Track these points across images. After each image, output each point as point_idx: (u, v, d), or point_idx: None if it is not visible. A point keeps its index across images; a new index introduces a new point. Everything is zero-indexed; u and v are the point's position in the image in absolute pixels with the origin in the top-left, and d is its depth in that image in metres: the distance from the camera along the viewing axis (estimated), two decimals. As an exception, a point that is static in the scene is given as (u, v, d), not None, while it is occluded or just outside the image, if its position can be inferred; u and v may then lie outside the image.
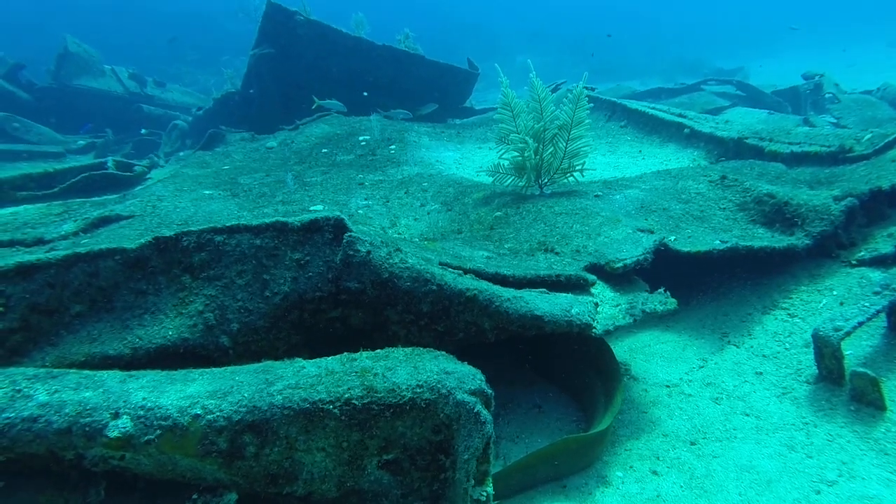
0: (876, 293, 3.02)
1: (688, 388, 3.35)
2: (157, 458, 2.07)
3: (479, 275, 3.08)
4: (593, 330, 2.93)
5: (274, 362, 2.44)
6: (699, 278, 4.32)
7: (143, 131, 12.13)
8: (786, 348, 3.41)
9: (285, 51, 10.89)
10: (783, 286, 3.89)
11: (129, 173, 6.82)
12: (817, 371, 3.08)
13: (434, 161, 7.21)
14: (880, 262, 3.63)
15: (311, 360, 2.46)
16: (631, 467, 2.86)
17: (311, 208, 5.33)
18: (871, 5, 40.78)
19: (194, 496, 2.18)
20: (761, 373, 3.31)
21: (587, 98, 8.27)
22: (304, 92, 11.41)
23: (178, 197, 5.61)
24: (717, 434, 2.97)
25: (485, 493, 2.43)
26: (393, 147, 7.95)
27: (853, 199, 3.82)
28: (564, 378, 3.47)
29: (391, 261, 2.86)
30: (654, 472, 2.79)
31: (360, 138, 8.39)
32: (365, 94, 9.90)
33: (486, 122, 9.70)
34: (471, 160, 7.56)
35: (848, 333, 2.91)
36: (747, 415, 3.05)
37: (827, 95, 10.20)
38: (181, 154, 12.26)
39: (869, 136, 5.19)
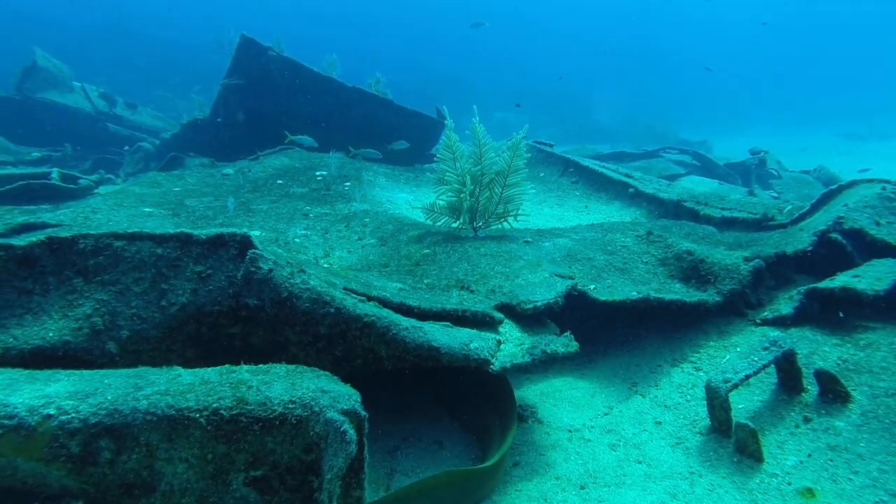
0: (765, 348, 3.11)
1: (588, 433, 3.36)
2: (-7, 462, 1.98)
3: (384, 303, 3.09)
4: (491, 366, 2.95)
5: (150, 368, 2.39)
6: (618, 331, 4.40)
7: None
8: (687, 400, 3.47)
9: (255, 84, 11.07)
10: (694, 341, 3.98)
11: (72, 186, 6.72)
12: (710, 422, 3.13)
13: (385, 200, 7.30)
14: (781, 322, 3.76)
15: (189, 370, 2.42)
16: (517, 508, 2.83)
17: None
18: (825, 101, 43.70)
19: (34, 505, 2.07)
20: (661, 422, 3.35)
21: (537, 149, 8.51)
22: (272, 125, 11.54)
23: (115, 211, 5.54)
24: (608, 479, 2.96)
25: (355, 521, 2.37)
26: (348, 184, 8.02)
27: (760, 261, 3.98)
28: (468, 416, 3.45)
29: (292, 280, 2.87)
30: (539, 514, 2.77)
31: (318, 173, 8.45)
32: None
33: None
34: (423, 203, 7.67)
35: (736, 385, 2.98)
36: (640, 462, 3.06)
37: (771, 171, 10.72)
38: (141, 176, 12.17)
39: (790, 207, 5.46)
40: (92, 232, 2.72)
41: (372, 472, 3.12)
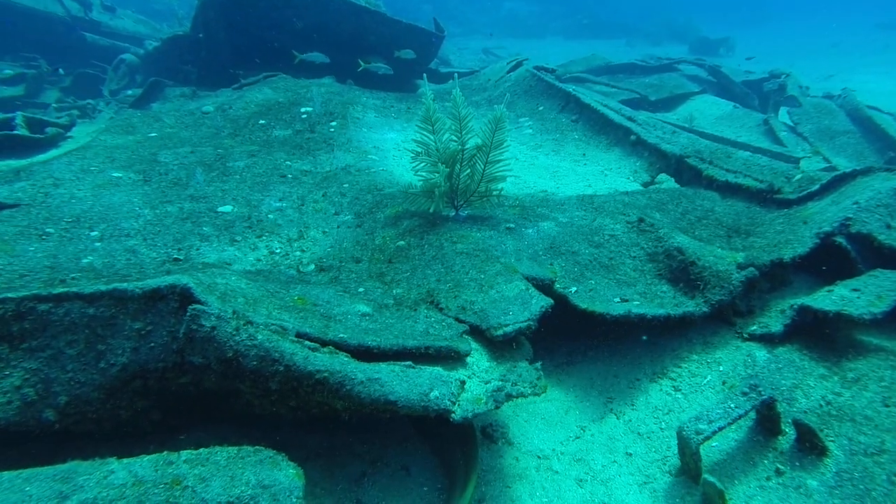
0: (744, 393, 2.95)
1: (557, 463, 3.30)
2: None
3: (341, 346, 2.92)
4: (452, 415, 2.83)
5: (81, 465, 2.28)
6: (601, 327, 4.23)
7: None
8: (661, 428, 3.37)
9: (235, -3, 10.14)
10: (677, 351, 3.82)
11: (39, 136, 6.35)
12: (680, 464, 3.05)
13: (371, 148, 6.88)
14: (769, 339, 3.56)
15: (123, 462, 2.31)
16: (476, 554, 2.83)
17: (219, 209, 5.05)
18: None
19: None
20: (631, 454, 3.27)
21: (538, 78, 7.90)
22: (258, 42, 10.78)
23: (80, 181, 5.25)
24: (571, 523, 2.94)
25: None
26: (334, 124, 7.57)
27: (754, 270, 3.70)
28: (434, 439, 3.39)
29: (237, 338, 2.68)
30: (497, 563, 2.77)
31: (302, 110, 7.97)
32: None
33: (442, 94, 9.30)
34: (413, 145, 7.26)
35: (708, 437, 2.86)
36: (604, 503, 3.02)
37: (791, 97, 9.98)
38: (129, 92, 11.60)
39: (799, 176, 5.05)
40: (11, 295, 2.50)
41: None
